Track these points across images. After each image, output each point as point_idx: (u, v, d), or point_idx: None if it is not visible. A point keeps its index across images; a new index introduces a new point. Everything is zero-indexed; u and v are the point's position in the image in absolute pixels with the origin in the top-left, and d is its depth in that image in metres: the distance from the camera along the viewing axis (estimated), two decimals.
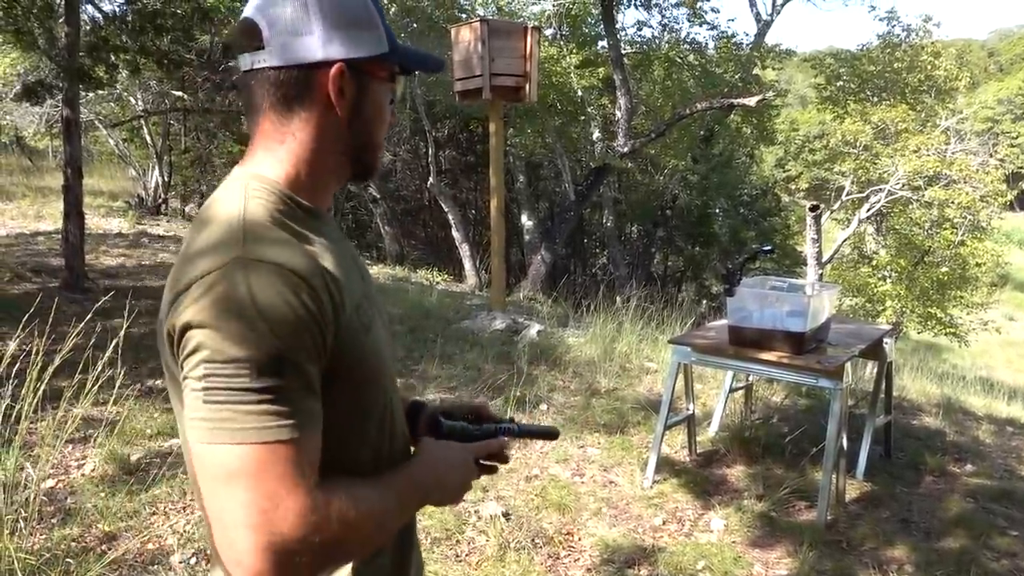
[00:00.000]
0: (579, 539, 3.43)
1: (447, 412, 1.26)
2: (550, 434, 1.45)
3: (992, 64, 64.16)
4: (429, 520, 3.37)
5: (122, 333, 3.76)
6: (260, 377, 0.85)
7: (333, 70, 1.00)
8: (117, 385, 3.49)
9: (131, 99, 13.75)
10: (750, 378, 4.95)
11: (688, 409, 4.33)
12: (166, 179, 13.73)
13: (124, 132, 14.58)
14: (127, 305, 4.31)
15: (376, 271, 11.18)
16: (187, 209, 14.50)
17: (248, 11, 1.02)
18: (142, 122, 13.52)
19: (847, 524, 3.64)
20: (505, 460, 1.26)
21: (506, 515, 3.51)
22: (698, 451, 4.44)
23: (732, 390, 4.85)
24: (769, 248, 4.21)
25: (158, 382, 4.70)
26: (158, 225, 11.92)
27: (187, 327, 0.88)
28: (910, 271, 14.98)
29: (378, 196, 14.31)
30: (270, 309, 0.86)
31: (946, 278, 14.76)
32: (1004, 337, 22.11)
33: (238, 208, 0.96)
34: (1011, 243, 25.44)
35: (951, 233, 14.59)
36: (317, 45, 0.99)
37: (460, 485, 1.14)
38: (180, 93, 12.55)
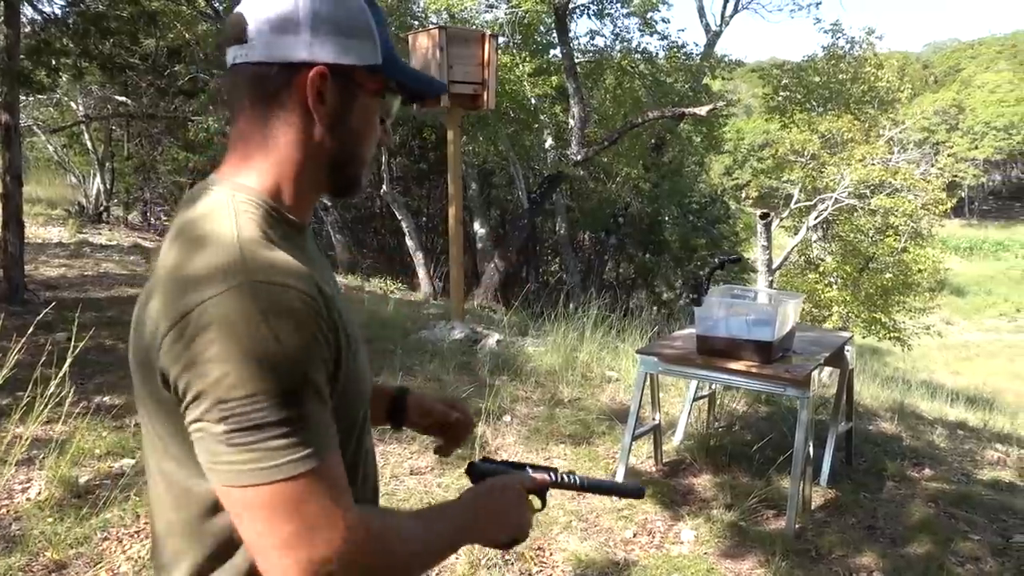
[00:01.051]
0: (551, 554, 3.37)
1: (487, 459, 1.26)
2: (634, 492, 1.33)
3: (928, 76, 66.42)
4: None
5: (69, 348, 3.59)
6: (283, 408, 0.82)
7: (312, 72, 0.94)
8: (66, 403, 3.32)
9: (71, 104, 13.31)
10: (713, 386, 4.96)
11: (654, 419, 4.31)
12: (108, 186, 13.31)
13: (63, 138, 14.10)
14: (71, 318, 4.13)
15: None
16: (130, 217, 14.08)
17: (241, 6, 0.97)
18: (83, 128, 13.09)
19: (815, 532, 3.65)
20: (543, 505, 1.23)
21: None
22: (664, 461, 4.42)
23: (696, 399, 4.85)
24: (736, 257, 4.23)
25: (106, 399, 4.50)
26: (100, 234, 11.54)
27: (192, 363, 0.82)
28: (855, 277, 15.36)
29: (328, 204, 14.09)
30: (285, 334, 0.83)
31: (890, 284, 15.17)
32: (941, 341, 22.85)
33: (230, 225, 0.91)
34: (948, 249, 26.32)
35: (894, 240, 15.00)
36: (302, 45, 0.94)
37: (514, 517, 1.11)
38: (123, 98, 12.20)
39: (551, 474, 1.24)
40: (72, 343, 3.59)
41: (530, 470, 1.22)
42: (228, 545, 0.92)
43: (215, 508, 0.91)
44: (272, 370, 0.81)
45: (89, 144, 13.29)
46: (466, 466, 1.24)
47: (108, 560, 2.94)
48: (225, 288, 0.83)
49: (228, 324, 0.81)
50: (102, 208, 13.17)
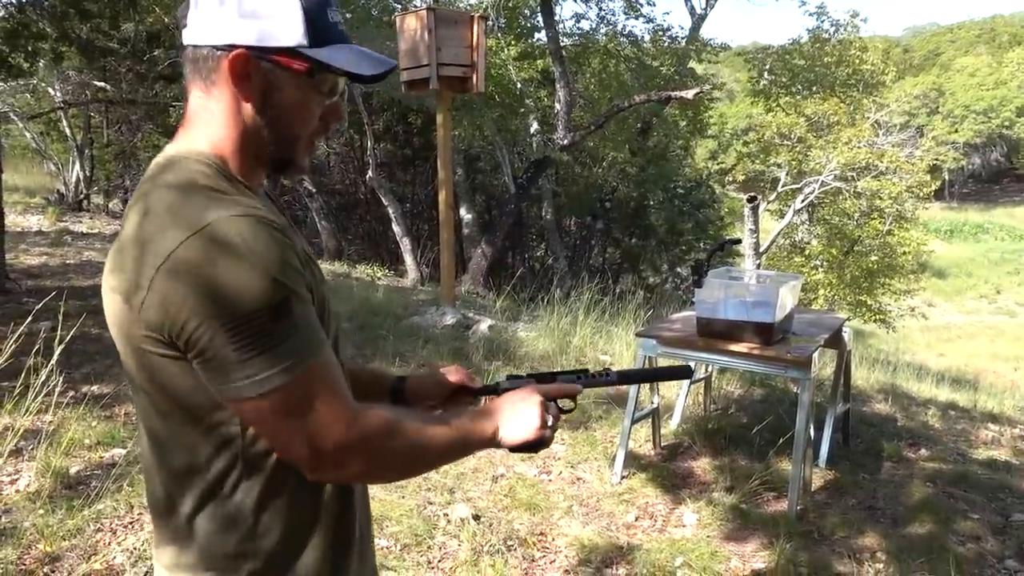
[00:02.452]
0: (553, 539, 3.34)
1: (510, 376, 1.36)
2: (682, 372, 1.48)
3: (909, 60, 66.75)
4: (397, 526, 3.23)
5: (56, 337, 3.51)
6: (278, 318, 0.92)
7: (232, 55, 1.00)
8: (55, 393, 3.23)
9: (49, 90, 13.05)
10: (709, 369, 4.94)
11: (652, 403, 4.28)
12: (88, 174, 13.10)
13: (41, 125, 13.84)
14: (56, 307, 4.03)
15: None
16: (111, 205, 13.86)
17: None
18: (61, 114, 12.85)
19: (817, 514, 3.64)
20: (574, 406, 1.34)
21: (476, 517, 3.39)
22: (663, 444, 4.40)
23: (692, 382, 4.82)
24: (737, 239, 4.20)
25: (95, 388, 4.41)
26: (80, 222, 11.35)
27: (185, 300, 0.90)
28: (840, 260, 15.41)
29: (313, 190, 13.93)
30: (264, 253, 0.92)
31: (875, 266, 15.24)
32: (924, 323, 23.03)
33: (188, 179, 0.99)
34: (930, 232, 26.48)
35: (879, 223, 15.06)
36: (226, 28, 1.00)
37: (529, 420, 1.17)
38: (102, 84, 11.96)
39: (582, 376, 1.33)
40: (59, 332, 3.50)
41: (560, 379, 1.32)
42: (219, 484, 1.02)
43: (202, 450, 1.01)
44: (260, 287, 0.91)
45: (68, 131, 13.08)
46: (496, 384, 1.33)
47: (102, 552, 2.88)
48: (197, 229, 0.91)
49: (210, 258, 0.90)
50: (82, 196, 12.98)
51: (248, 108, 1.03)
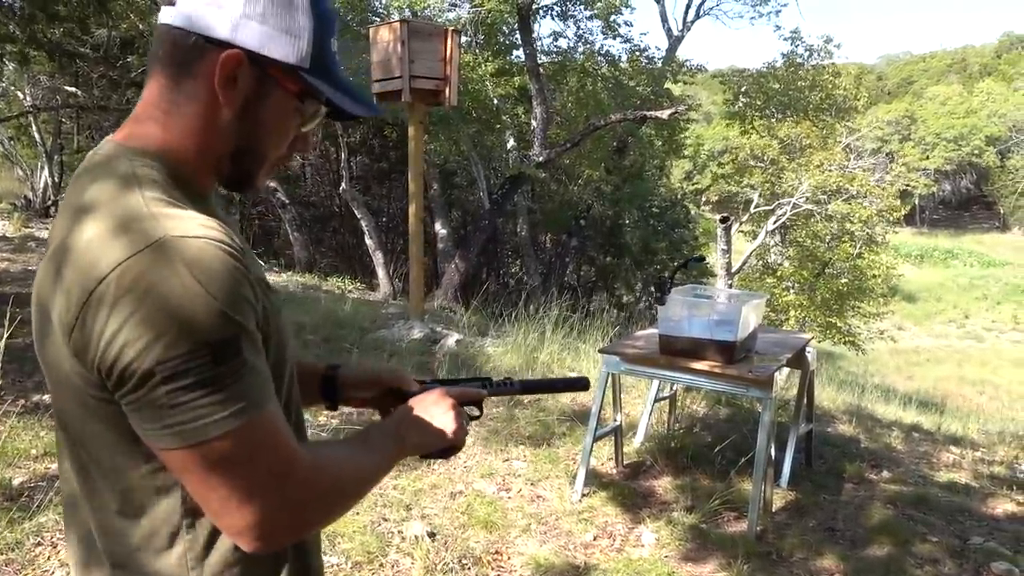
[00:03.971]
0: (508, 558, 3.28)
1: (424, 381, 1.30)
2: (579, 384, 1.40)
3: (884, 87, 68.00)
4: (349, 543, 3.16)
5: (1, 344, 3.41)
6: (223, 359, 0.81)
7: (227, 53, 0.90)
8: (7, 402, 3.14)
9: (18, 94, 12.87)
10: (674, 387, 4.92)
11: (615, 420, 4.25)
12: (56, 180, 12.91)
13: (10, 129, 13.64)
14: (9, 313, 3.93)
15: (285, 279, 10.77)
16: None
17: None
18: (30, 119, 12.67)
19: (776, 534, 3.62)
20: (479, 413, 1.29)
21: (431, 535, 3.33)
22: (625, 463, 4.36)
23: (657, 400, 4.80)
24: (700, 257, 4.19)
25: (45, 397, 4.29)
26: (46, 228, 11.16)
27: (119, 331, 0.78)
28: (811, 282, 15.55)
29: (287, 202, 13.84)
30: (213, 285, 0.81)
31: (845, 289, 15.40)
32: (893, 346, 23.31)
33: (132, 187, 0.87)
34: (900, 257, 26.86)
35: (850, 246, 15.22)
36: (226, 22, 0.90)
37: (442, 423, 1.14)
38: (73, 89, 11.82)
39: (487, 384, 1.30)
40: (7, 339, 3.41)
41: (464, 385, 1.29)
42: (155, 535, 0.91)
43: (137, 497, 0.89)
44: (207, 322, 0.79)
45: (37, 136, 12.89)
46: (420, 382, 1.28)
47: (40, 566, 2.78)
48: (140, 248, 0.80)
49: (151, 284, 0.78)
50: (50, 202, 12.77)
51: (224, 113, 0.93)
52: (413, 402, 1.17)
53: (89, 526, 0.94)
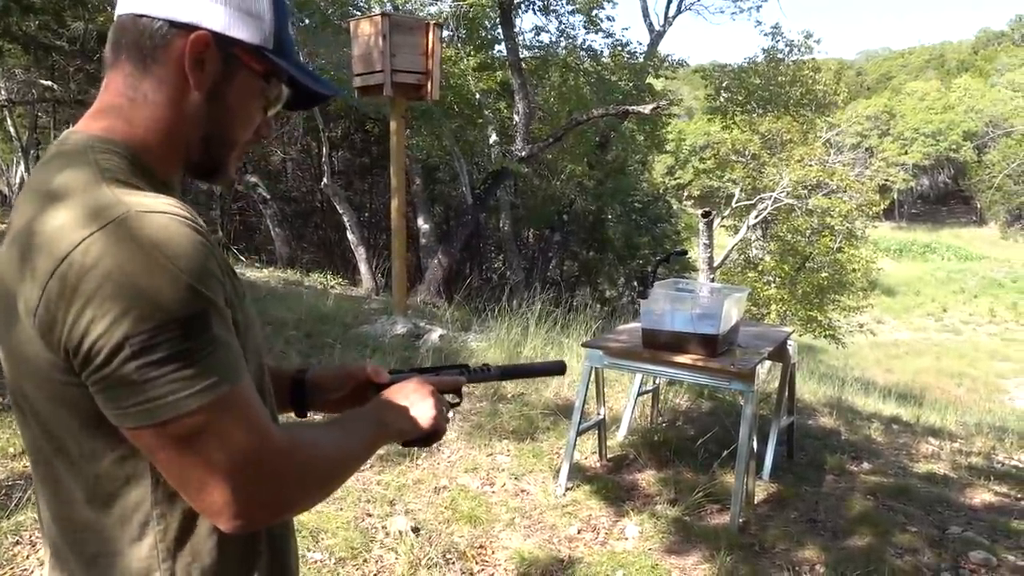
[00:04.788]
0: (492, 552, 3.28)
1: (392, 370, 1.29)
2: (555, 368, 1.40)
3: (863, 83, 68.51)
4: (333, 538, 3.15)
5: None
6: (193, 334, 0.80)
7: (194, 35, 0.91)
8: None
9: None
10: (657, 381, 4.94)
11: (599, 414, 4.26)
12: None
13: None
14: None
15: (267, 274, 10.71)
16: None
17: None
18: (5, 112, 12.50)
19: (758, 526, 3.64)
20: (459, 400, 1.28)
21: (415, 530, 3.32)
22: (608, 456, 4.37)
23: (640, 394, 4.82)
24: (683, 251, 4.21)
25: None
26: None
27: (84, 309, 0.77)
28: (792, 276, 15.67)
29: (268, 197, 13.74)
30: (180, 259, 0.80)
31: (825, 283, 15.52)
32: (872, 339, 23.53)
33: (92, 170, 0.86)
34: (879, 251, 27.11)
35: (830, 240, 15.35)
36: (192, 5, 0.91)
37: (423, 410, 1.13)
38: (49, 83, 11.66)
39: (464, 371, 1.30)
40: None
41: (443, 372, 1.29)
42: (125, 525, 0.89)
43: (105, 486, 0.88)
44: (175, 296, 0.78)
45: (12, 130, 12.72)
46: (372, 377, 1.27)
47: (19, 564, 2.75)
48: (103, 223, 0.79)
49: (117, 259, 0.77)
50: None
51: (194, 98, 0.93)
52: (392, 390, 1.15)
53: (58, 519, 0.93)
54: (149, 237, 0.79)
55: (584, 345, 4.05)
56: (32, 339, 0.82)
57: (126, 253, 0.77)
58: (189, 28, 0.91)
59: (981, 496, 4.30)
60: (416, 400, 1.14)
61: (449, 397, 1.26)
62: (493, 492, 3.86)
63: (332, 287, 10.55)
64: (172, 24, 0.91)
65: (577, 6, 15.00)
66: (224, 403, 0.82)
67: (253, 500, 0.85)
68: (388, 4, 12.32)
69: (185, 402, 0.79)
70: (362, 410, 1.10)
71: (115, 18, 0.95)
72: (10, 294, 0.83)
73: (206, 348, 0.80)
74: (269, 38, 0.97)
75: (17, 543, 2.90)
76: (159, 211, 0.82)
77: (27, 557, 2.83)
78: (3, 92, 12.41)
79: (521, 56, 13.49)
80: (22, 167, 12.53)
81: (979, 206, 55.82)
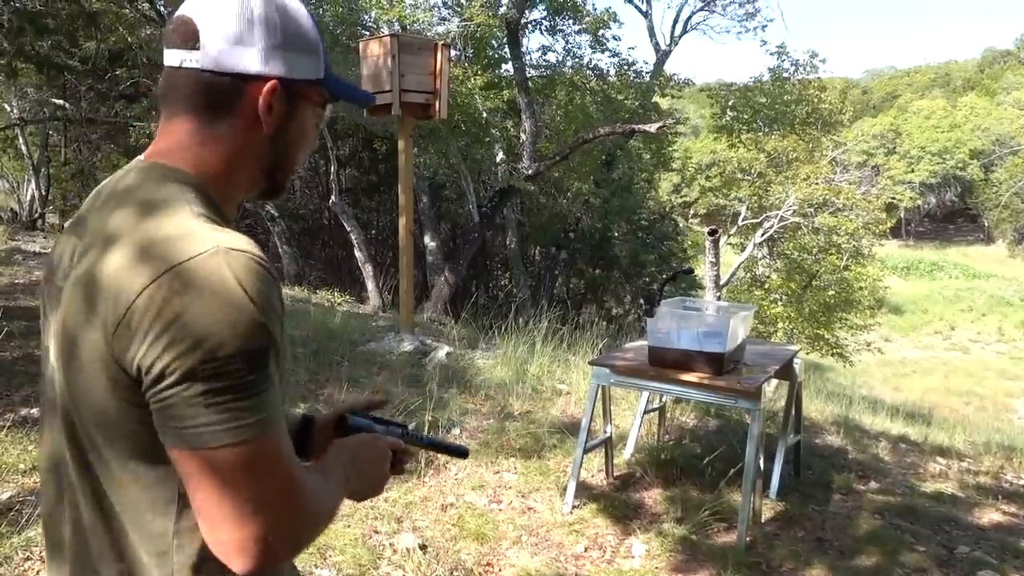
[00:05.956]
0: (499, 570, 3.29)
1: (351, 409, 1.29)
2: (460, 451, 1.43)
3: (868, 101, 68.67)
4: (341, 555, 3.16)
5: None
6: (256, 369, 0.84)
7: (268, 86, 0.99)
8: None
9: (5, 106, 12.83)
10: (664, 399, 4.95)
11: (605, 432, 4.26)
12: (43, 192, 12.86)
13: None
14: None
15: None
16: (67, 224, 13.60)
17: (187, 8, 1.00)
18: (17, 131, 12.62)
19: (765, 545, 3.64)
20: (402, 468, 1.25)
21: (423, 547, 3.33)
22: (615, 474, 4.37)
23: (646, 412, 4.82)
24: (689, 269, 4.23)
25: (33, 411, 4.27)
26: (34, 241, 11.09)
27: (171, 324, 0.82)
28: (799, 294, 15.65)
29: (276, 214, 13.82)
30: (258, 296, 0.85)
31: (832, 301, 15.49)
32: (880, 357, 23.43)
33: (181, 198, 0.93)
34: (886, 269, 27.05)
35: (837, 258, 15.33)
36: (256, 59, 0.99)
37: (378, 473, 1.17)
38: (61, 101, 11.79)
39: (404, 433, 1.29)
40: None
41: (393, 429, 1.29)
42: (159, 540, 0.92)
43: (145, 506, 0.91)
44: (249, 331, 0.83)
45: (24, 148, 12.83)
46: (336, 416, 1.28)
47: None
48: (202, 251, 0.85)
49: (204, 286, 0.83)
50: (37, 215, 12.71)
51: (261, 137, 1.01)
52: (358, 447, 1.16)
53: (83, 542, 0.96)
54: (235, 273, 0.84)
55: (591, 363, 4.06)
56: (102, 355, 0.86)
57: (215, 285, 0.83)
58: (258, 79, 0.99)
59: (990, 515, 4.28)
60: (379, 466, 1.17)
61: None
62: (500, 509, 3.86)
63: (339, 304, 10.58)
64: (242, 77, 0.98)
65: (584, 26, 15.12)
66: (267, 442, 0.86)
67: (272, 542, 0.87)
68: (396, 24, 12.44)
69: (236, 432, 0.83)
70: (335, 462, 1.10)
71: (173, 68, 0.99)
72: (83, 311, 0.88)
73: (263, 384, 0.85)
74: (323, 68, 1.05)
75: (28, 559, 2.92)
76: (242, 249, 0.87)
77: (37, 573, 2.85)
78: (15, 111, 12.55)
79: (528, 75, 13.60)
80: (33, 185, 12.64)
81: (986, 224, 55.69)
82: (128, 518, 0.92)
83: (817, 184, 14.05)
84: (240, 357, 0.82)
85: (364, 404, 1.32)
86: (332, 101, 1.11)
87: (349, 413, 1.27)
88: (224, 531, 0.86)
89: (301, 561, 3.03)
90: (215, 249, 0.85)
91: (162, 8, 11.00)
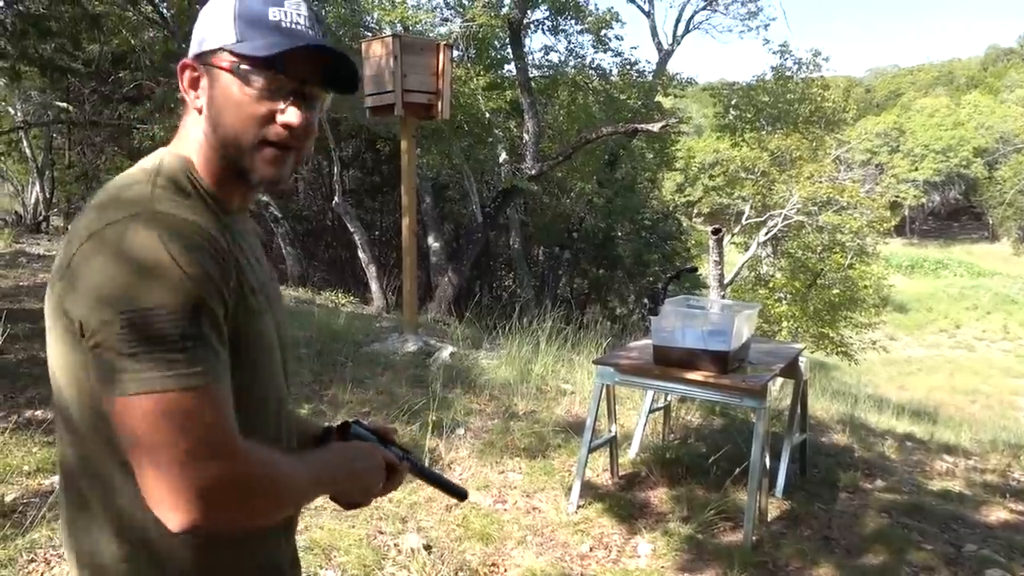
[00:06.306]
0: (504, 570, 3.27)
1: (359, 422, 1.28)
2: (458, 493, 1.39)
3: (872, 100, 68.51)
4: (345, 556, 3.15)
5: None
6: (182, 324, 0.87)
7: (179, 67, 1.06)
8: None
9: (9, 109, 12.86)
10: (669, 398, 4.93)
11: (610, 431, 4.25)
12: (47, 195, 12.88)
13: (0, 145, 13.61)
14: (1, 329, 3.92)
15: None
16: (70, 227, 13.63)
17: None
18: (21, 134, 12.65)
19: (772, 544, 3.62)
20: (395, 485, 1.25)
21: (427, 548, 3.32)
22: (620, 474, 4.36)
23: (651, 411, 4.81)
24: (692, 267, 4.22)
25: (37, 412, 4.27)
26: (38, 244, 11.10)
27: (93, 283, 0.88)
28: (803, 293, 15.62)
29: (280, 216, 13.83)
30: (184, 257, 0.89)
31: (837, 299, 15.46)
32: (885, 356, 23.37)
33: (152, 168, 1.02)
34: (891, 267, 27.00)
35: (841, 256, 15.30)
36: (195, 45, 1.07)
37: (370, 481, 1.16)
38: (64, 104, 11.81)
39: (407, 457, 1.27)
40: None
41: (395, 449, 1.27)
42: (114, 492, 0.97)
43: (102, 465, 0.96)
44: (171, 286, 0.87)
45: (28, 151, 12.86)
46: (340, 424, 1.26)
47: None
48: (127, 214, 0.91)
49: (128, 244, 0.88)
50: (41, 217, 12.73)
51: (202, 115, 1.05)
52: (360, 451, 1.17)
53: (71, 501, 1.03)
54: (160, 233, 0.89)
55: (595, 362, 4.05)
56: (57, 316, 0.94)
57: (136, 242, 0.88)
58: (186, 65, 1.07)
59: (997, 513, 4.26)
60: (371, 474, 1.16)
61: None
62: (505, 509, 3.85)
63: (343, 305, 10.58)
64: (182, 67, 1.07)
65: (586, 26, 15.10)
66: (199, 396, 0.88)
67: (202, 499, 0.87)
68: (398, 25, 12.45)
69: (163, 381, 0.86)
70: (331, 458, 1.12)
71: None
72: (61, 249, 0.97)
73: (194, 342, 0.88)
74: (231, 34, 1.03)
75: (32, 560, 2.92)
76: (179, 216, 0.93)
77: (42, 575, 2.84)
78: (19, 114, 12.58)
79: (530, 75, 13.59)
80: (37, 188, 12.66)
81: (991, 222, 55.57)
82: (104, 479, 0.97)
83: (821, 183, 14.02)
84: (162, 311, 0.86)
85: (374, 428, 1.29)
86: (251, 63, 1.02)
87: (354, 423, 1.25)
88: (148, 481, 0.88)
89: (305, 562, 3.03)
90: (148, 211, 0.91)
91: (164, 11, 11.01)
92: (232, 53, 1.02)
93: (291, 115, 1.04)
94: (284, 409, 1.12)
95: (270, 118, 1.03)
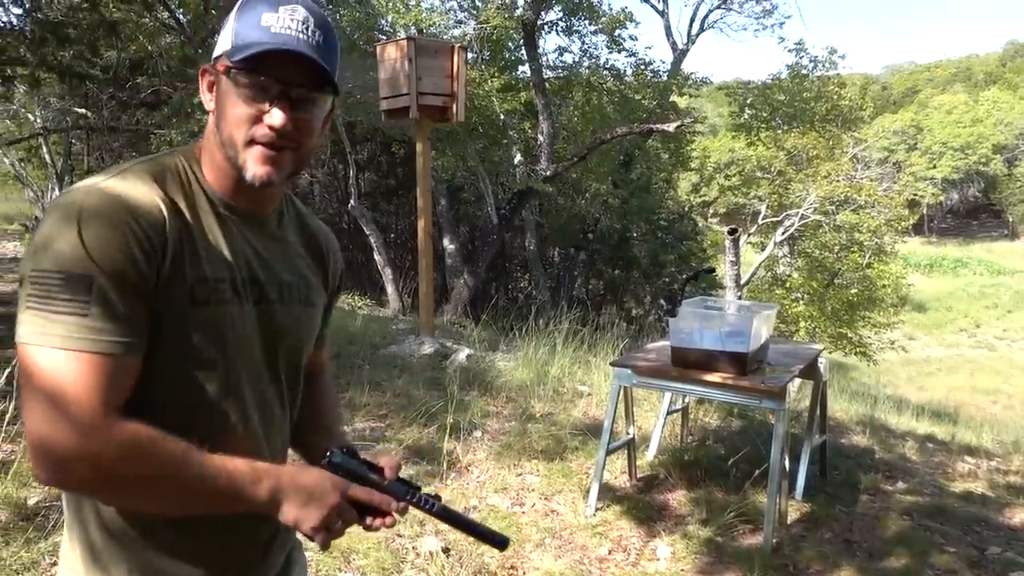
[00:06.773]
0: (523, 573, 3.27)
1: (351, 450, 1.13)
2: (495, 541, 1.16)
3: (889, 97, 67.98)
4: (364, 559, 3.15)
5: (9, 366, 3.43)
6: (75, 290, 0.93)
7: (199, 70, 1.15)
8: (8, 421, 3.15)
9: (29, 116, 13.00)
10: (687, 399, 4.91)
11: (628, 433, 4.24)
12: None
13: (21, 151, 13.76)
14: None
15: None
16: None
17: None
18: (41, 140, 12.78)
19: (792, 547, 3.59)
20: (385, 518, 1.11)
21: (446, 550, 3.32)
22: (638, 476, 4.34)
23: (669, 412, 4.79)
24: (710, 268, 4.19)
25: None
26: None
27: (32, 241, 0.98)
28: (821, 293, 15.50)
29: None
30: (90, 231, 0.94)
31: (855, 299, 15.34)
32: (904, 356, 23.17)
33: (149, 160, 1.10)
34: (909, 266, 26.77)
35: (859, 256, 15.18)
36: (215, 52, 1.14)
37: (305, 516, 1.03)
38: (83, 110, 11.91)
39: (412, 493, 1.12)
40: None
41: (395, 485, 1.11)
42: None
43: None
44: (70, 258, 0.93)
45: (48, 157, 12.99)
46: (328, 453, 1.10)
47: None
48: (81, 186, 1.00)
49: (56, 212, 0.97)
50: None
51: (215, 116, 1.12)
52: (305, 472, 1.06)
53: None
54: (83, 206, 0.96)
55: (613, 364, 4.04)
56: None
57: (62, 211, 0.96)
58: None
59: (1021, 515, 4.21)
60: (315, 506, 1.04)
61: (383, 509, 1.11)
62: (523, 512, 3.84)
63: (360, 308, 10.62)
64: (202, 71, 1.15)
65: (600, 26, 15.08)
66: (72, 360, 0.93)
67: (54, 460, 0.92)
68: (413, 28, 12.48)
69: (46, 338, 0.93)
70: (268, 470, 1.04)
71: None
72: None
73: (80, 306, 0.93)
74: (230, 41, 1.09)
75: (54, 564, 2.94)
76: (111, 192, 0.99)
77: None
78: (39, 120, 12.70)
79: (545, 76, 13.58)
80: (57, 192, 12.78)
81: (1011, 219, 54.96)
82: None
83: (838, 181, 13.93)
84: (56, 273, 0.93)
85: (368, 461, 1.13)
86: (241, 67, 1.05)
87: (339, 449, 1.10)
88: (27, 426, 0.93)
89: (324, 565, 3.04)
90: (91, 187, 0.99)
91: (180, 17, 11.10)
92: (228, 58, 1.09)
93: (275, 116, 1.08)
94: (267, 417, 1.15)
95: (257, 118, 1.08)
